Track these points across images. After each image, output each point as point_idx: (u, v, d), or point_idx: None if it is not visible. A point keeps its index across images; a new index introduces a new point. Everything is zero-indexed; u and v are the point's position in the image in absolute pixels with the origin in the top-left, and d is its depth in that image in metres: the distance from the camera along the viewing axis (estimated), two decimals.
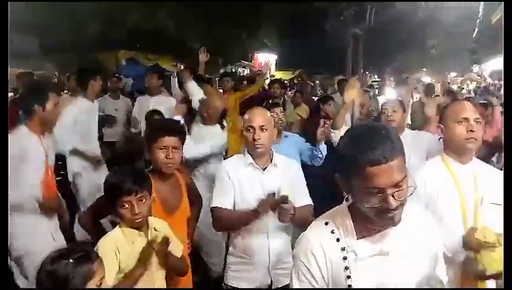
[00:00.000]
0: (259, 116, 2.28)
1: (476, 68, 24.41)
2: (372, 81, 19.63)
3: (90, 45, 9.75)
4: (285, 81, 12.28)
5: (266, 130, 2.25)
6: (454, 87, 21.51)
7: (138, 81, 5.93)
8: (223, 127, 3.79)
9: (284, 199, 2.05)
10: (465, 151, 1.92)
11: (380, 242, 1.26)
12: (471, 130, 1.89)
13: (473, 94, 19.35)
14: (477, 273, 1.69)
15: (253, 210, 2.15)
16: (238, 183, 2.28)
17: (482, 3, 19.83)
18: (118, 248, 1.84)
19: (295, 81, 17.21)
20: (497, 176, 1.92)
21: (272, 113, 3.30)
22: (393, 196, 1.14)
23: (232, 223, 2.28)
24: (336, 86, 7.50)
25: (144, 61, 11.75)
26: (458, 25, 18.93)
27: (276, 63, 21.72)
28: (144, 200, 1.88)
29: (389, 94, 5.43)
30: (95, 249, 1.74)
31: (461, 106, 1.97)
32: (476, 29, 20.34)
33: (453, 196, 1.89)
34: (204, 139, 3.53)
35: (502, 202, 1.76)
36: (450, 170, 1.94)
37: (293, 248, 2.34)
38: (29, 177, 2.59)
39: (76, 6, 9.59)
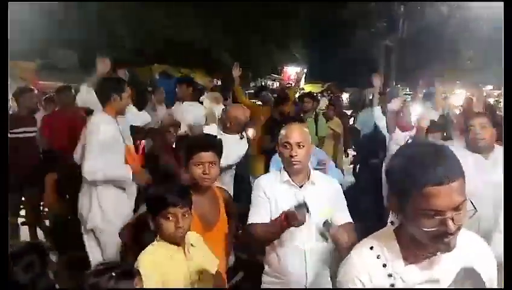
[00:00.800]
0: (296, 132, 2.25)
1: None
2: (404, 94, 19.20)
3: (127, 59, 10.07)
4: (316, 94, 12.22)
5: (303, 146, 2.23)
6: (491, 100, 20.78)
7: (169, 95, 5.97)
8: (242, 137, 3.74)
9: (326, 225, 2.03)
10: None
11: (430, 269, 1.20)
12: None
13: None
14: None
15: (282, 214, 2.09)
16: (274, 201, 2.25)
17: None
18: (157, 263, 1.84)
19: (325, 94, 17.07)
20: None
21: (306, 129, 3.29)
22: (452, 220, 1.08)
23: (266, 235, 2.23)
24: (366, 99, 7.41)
25: (177, 75, 12.01)
26: (494, 35, 18.35)
27: (305, 76, 21.72)
28: (187, 215, 1.90)
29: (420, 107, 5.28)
30: (135, 265, 1.76)
31: None
32: None
33: None
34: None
35: None
36: None
37: (330, 268, 2.33)
38: (115, 157, 3.06)
39: (114, 22, 9.93)
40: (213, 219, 2.31)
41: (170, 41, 11.17)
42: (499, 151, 2.71)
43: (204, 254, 2.05)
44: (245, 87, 12.29)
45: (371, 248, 1.26)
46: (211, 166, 2.24)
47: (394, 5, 18.16)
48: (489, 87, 26.40)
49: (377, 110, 4.68)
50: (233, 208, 2.55)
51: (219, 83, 8.78)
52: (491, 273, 1.30)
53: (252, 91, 11.81)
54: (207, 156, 2.23)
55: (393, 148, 3.70)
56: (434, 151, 1.13)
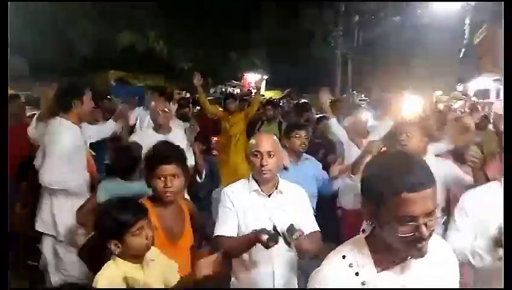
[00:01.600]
0: (266, 142, 2.23)
1: (460, 87, 25.03)
2: (360, 100, 19.85)
3: (81, 66, 9.71)
4: (272, 100, 12.34)
5: (274, 155, 2.20)
6: (441, 106, 21.92)
7: (127, 102, 5.79)
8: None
9: (292, 229, 2.00)
10: None
11: (401, 274, 1.21)
12: None
13: (459, 113, 19.78)
14: None
15: (253, 236, 2.06)
16: (241, 210, 2.22)
17: (467, 24, 20.54)
18: (114, 284, 1.77)
19: (284, 100, 17.30)
20: None
21: (297, 136, 3.29)
22: (425, 225, 1.10)
23: (234, 250, 2.20)
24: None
25: (134, 82, 11.72)
26: (444, 45, 19.45)
27: (265, 82, 21.93)
28: (145, 227, 1.87)
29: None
30: (93, 284, 1.67)
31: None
32: (463, 50, 20.95)
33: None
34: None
35: None
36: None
37: (299, 276, 2.31)
38: (76, 166, 2.99)
39: (67, 27, 9.55)
40: (178, 232, 2.23)
41: (128, 49, 10.90)
42: (430, 156, 2.89)
43: (164, 264, 1.99)
44: (205, 94, 12.19)
45: (344, 256, 1.25)
46: (174, 179, 2.15)
47: (350, 15, 18.80)
48: (439, 93, 27.94)
49: (333, 122, 4.55)
50: (199, 221, 2.47)
51: (187, 95, 8.58)
52: (456, 276, 1.33)
53: (212, 98, 11.73)
54: (168, 168, 2.14)
55: (353, 154, 3.76)
56: (409, 159, 1.15)
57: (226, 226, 2.21)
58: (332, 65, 19.39)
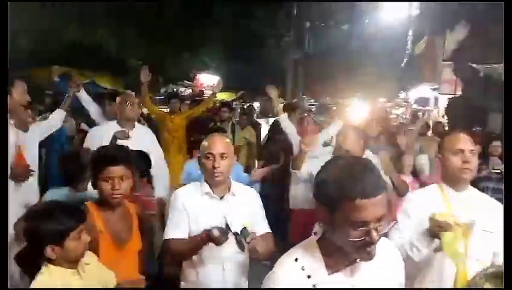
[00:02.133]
0: (219, 143, 2.20)
1: (402, 95, 26.42)
2: (309, 104, 20.34)
3: (24, 61, 9.10)
4: (228, 102, 12.31)
5: (226, 157, 2.18)
6: (384, 112, 22.96)
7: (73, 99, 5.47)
8: None
9: (244, 233, 2.00)
10: (460, 180, 2.00)
11: (351, 277, 1.25)
12: (466, 161, 1.96)
13: (400, 119, 20.87)
14: None
15: (203, 233, 2.04)
16: (193, 214, 2.18)
17: (410, 35, 21.72)
18: None
19: (237, 102, 17.32)
20: (491, 205, 2.02)
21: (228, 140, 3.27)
22: (375, 230, 1.14)
23: (185, 252, 2.17)
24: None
25: (80, 78, 11.16)
26: (387, 55, 20.44)
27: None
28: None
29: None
30: None
31: (457, 138, 2.03)
32: (405, 60, 22.13)
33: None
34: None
35: (493, 229, 1.86)
36: (445, 196, 2.02)
37: (250, 278, 2.31)
38: None
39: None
40: (125, 236, 2.14)
41: (74, 44, 10.37)
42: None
43: (99, 269, 1.92)
44: (155, 93, 11.90)
45: (296, 259, 1.27)
46: (122, 181, 2.07)
47: (301, 21, 19.23)
48: (382, 100, 29.31)
49: (284, 118, 4.64)
50: (147, 224, 2.40)
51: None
52: (401, 277, 1.38)
53: (163, 97, 11.47)
54: (116, 170, 2.06)
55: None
56: (362, 165, 1.19)
57: (177, 230, 2.17)
58: (284, 69, 19.71)
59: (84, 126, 5.58)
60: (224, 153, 2.17)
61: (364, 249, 1.17)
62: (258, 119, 8.78)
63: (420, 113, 20.27)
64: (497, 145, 4.57)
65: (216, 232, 1.98)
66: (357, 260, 1.23)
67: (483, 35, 10.27)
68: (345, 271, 1.24)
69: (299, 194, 3.95)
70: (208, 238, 2.01)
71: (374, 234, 1.14)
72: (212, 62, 18.25)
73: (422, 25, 17.88)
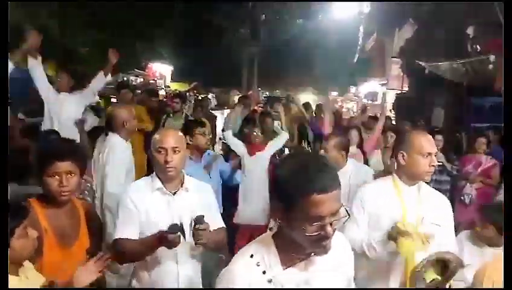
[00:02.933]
0: (172, 137, 2.13)
1: (353, 89, 27.27)
2: (264, 97, 20.48)
3: None
4: (181, 92, 12.09)
5: (179, 151, 2.12)
6: (336, 106, 23.64)
7: (16, 84, 5.11)
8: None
9: (200, 220, 1.94)
10: (420, 179, 2.07)
11: (305, 271, 1.27)
12: (432, 165, 2.04)
13: (351, 113, 21.56)
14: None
15: (158, 234, 1.97)
16: (144, 211, 2.09)
17: (361, 32, 22.40)
18: None
19: (191, 93, 17.05)
20: (439, 198, 2.12)
21: (199, 133, 3.22)
22: (331, 225, 1.16)
23: (136, 253, 2.08)
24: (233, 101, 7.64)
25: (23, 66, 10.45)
26: (340, 50, 20.96)
27: (171, 74, 21.33)
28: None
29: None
30: None
31: (426, 140, 2.07)
32: (357, 55, 22.81)
33: (396, 211, 2.03)
34: None
35: (441, 223, 1.96)
36: (397, 189, 2.08)
37: (203, 275, 2.29)
38: None
39: None
40: (72, 235, 2.03)
41: (17, 28, 9.63)
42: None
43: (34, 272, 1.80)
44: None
45: (251, 255, 1.27)
46: (70, 177, 1.96)
47: (257, 13, 19.22)
48: (335, 93, 30.12)
49: (228, 135, 4.42)
50: (96, 222, 2.29)
51: None
52: (351, 269, 1.43)
53: (113, 86, 11.00)
54: (63, 165, 1.94)
55: None
56: (318, 161, 1.20)
57: (127, 228, 2.08)
58: (240, 61, 19.64)
59: (21, 116, 5.24)
60: (176, 147, 2.11)
61: (320, 244, 1.18)
62: (213, 112, 8.71)
63: (368, 108, 21.04)
64: (439, 139, 4.82)
65: (171, 237, 1.91)
66: (312, 254, 1.25)
67: (429, 34, 10.81)
68: (299, 265, 1.26)
69: (247, 209, 4.02)
70: (161, 241, 1.95)
71: (329, 228, 1.16)
72: (165, 52, 17.76)
73: (373, 22, 18.48)
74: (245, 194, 4.35)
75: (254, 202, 4.02)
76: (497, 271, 1.40)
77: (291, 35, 19.25)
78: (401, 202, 2.03)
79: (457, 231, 2.38)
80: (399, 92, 15.44)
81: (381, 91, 22.15)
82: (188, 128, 3.33)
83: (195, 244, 1.99)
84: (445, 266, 1.80)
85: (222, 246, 2.21)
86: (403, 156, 2.08)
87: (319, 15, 20.98)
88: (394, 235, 1.83)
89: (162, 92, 14.88)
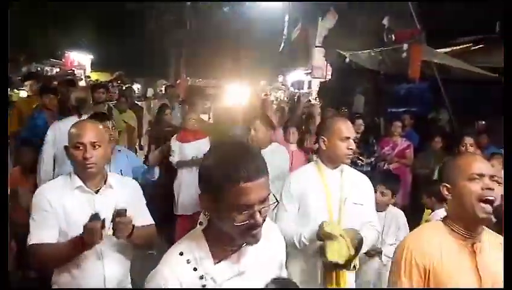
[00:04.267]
0: (90, 131, 1.96)
1: (280, 78, 27.89)
2: (190, 84, 20.13)
3: None
4: (103, 83, 11.44)
5: (99, 146, 1.97)
6: (263, 94, 24.03)
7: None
8: None
9: (121, 213, 1.83)
10: (340, 162, 2.17)
11: (237, 263, 1.26)
12: (351, 148, 2.14)
13: (279, 101, 22.03)
14: (324, 262, 1.92)
15: (77, 237, 1.82)
16: (63, 212, 1.92)
17: (286, 20, 22.86)
18: None
19: (114, 83, 16.20)
20: (360, 179, 2.23)
21: (106, 127, 2.97)
22: (260, 212, 1.15)
23: (57, 258, 1.91)
24: (161, 90, 7.40)
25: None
26: (267, 39, 21.25)
27: (91, 63, 20.07)
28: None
29: None
30: None
31: (344, 126, 2.18)
32: (282, 44, 23.25)
33: (321, 195, 2.12)
34: None
35: (363, 202, 2.09)
36: (321, 173, 2.16)
37: (132, 275, 2.19)
38: None
39: None
40: None
41: None
42: (275, 146, 3.24)
43: None
44: (15, 72, 10.43)
45: (181, 253, 1.23)
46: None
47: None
48: (263, 82, 30.57)
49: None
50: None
51: None
52: (283, 256, 1.45)
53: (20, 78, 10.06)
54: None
55: None
56: (244, 149, 1.19)
57: (43, 232, 1.89)
58: (166, 50, 19.04)
59: None
60: (96, 142, 1.96)
61: (250, 233, 1.18)
62: (138, 102, 8.35)
63: (296, 96, 21.67)
64: (359, 124, 5.23)
65: (90, 225, 1.75)
66: (244, 245, 1.24)
67: (349, 24, 11.34)
68: (231, 258, 1.25)
69: (186, 200, 3.94)
70: (81, 240, 1.80)
71: (258, 216, 1.15)
72: (84, 40, 16.66)
73: (297, 11, 18.96)
74: (181, 184, 4.32)
75: (193, 190, 3.95)
76: (414, 241, 1.48)
77: (218, 22, 19.07)
78: (324, 186, 2.12)
79: None
80: (323, 80, 16.08)
81: (307, 80, 22.95)
82: None
83: (117, 238, 1.88)
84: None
85: (151, 243, 2.12)
86: (324, 141, 2.19)
87: (245, 3, 21.02)
88: (321, 236, 1.91)
89: (82, 83, 13.93)
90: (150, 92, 15.32)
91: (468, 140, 3.42)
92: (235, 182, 1.12)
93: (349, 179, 2.18)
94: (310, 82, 22.18)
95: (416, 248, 1.45)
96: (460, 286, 1.39)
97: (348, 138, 2.14)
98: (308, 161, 4.42)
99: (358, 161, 5.04)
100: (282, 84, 27.63)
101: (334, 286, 2.03)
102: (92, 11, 14.68)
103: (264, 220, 1.19)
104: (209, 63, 20.28)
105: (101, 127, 2.11)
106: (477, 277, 1.40)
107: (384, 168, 5.19)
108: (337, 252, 1.86)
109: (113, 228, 1.84)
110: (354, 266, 2.00)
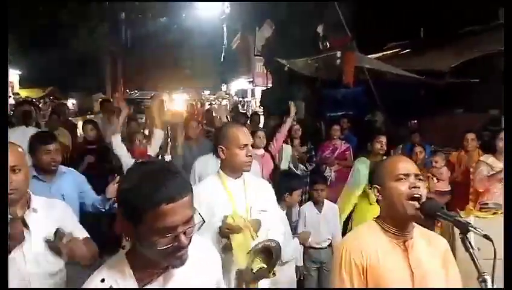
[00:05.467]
0: (10, 155, 1.80)
1: (224, 87, 27.98)
2: (132, 98, 19.60)
3: None
4: (33, 99, 10.75)
5: (19, 170, 1.82)
6: (207, 104, 23.94)
7: None
8: None
9: (59, 233, 1.75)
10: (241, 170, 2.13)
11: (164, 285, 1.19)
12: (250, 155, 2.11)
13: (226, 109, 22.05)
14: (243, 273, 1.89)
15: None
16: None
17: (225, 31, 23.00)
18: None
19: (47, 100, 15.30)
20: (263, 187, 2.22)
21: (46, 151, 2.75)
22: (184, 233, 1.10)
23: None
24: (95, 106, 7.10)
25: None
26: (208, 50, 21.25)
27: (19, 80, 18.84)
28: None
29: None
30: None
31: (242, 133, 2.14)
32: (223, 54, 23.36)
33: (226, 205, 2.06)
34: None
35: (267, 208, 2.07)
36: (225, 184, 2.12)
37: None
38: None
39: None
40: None
41: None
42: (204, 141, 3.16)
43: None
44: None
45: (102, 280, 1.16)
46: None
47: (115, 12, 18.17)
48: (207, 92, 30.49)
49: (115, 139, 4.09)
50: None
51: None
52: (219, 271, 1.39)
53: None
54: None
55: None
56: (164, 169, 1.12)
57: None
58: (101, 61, 18.36)
59: None
60: (15, 166, 1.81)
61: (175, 255, 1.11)
62: (72, 119, 7.94)
63: (240, 105, 21.77)
64: (297, 129, 5.56)
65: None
66: (170, 267, 1.18)
67: (287, 34, 11.60)
68: (158, 281, 1.18)
69: None
70: None
71: (183, 237, 1.09)
72: (10, 54, 15.59)
73: (235, 22, 19.14)
74: None
75: None
76: (351, 242, 1.51)
77: (155, 33, 18.74)
78: (229, 195, 2.10)
79: None
80: (264, 88, 16.33)
81: (249, 88, 23.20)
82: (30, 146, 2.78)
83: (68, 259, 1.78)
84: (270, 253, 1.90)
85: (93, 255, 1.98)
86: (222, 150, 2.15)
87: (182, 13, 20.87)
88: (224, 231, 1.88)
89: (10, 101, 13.02)
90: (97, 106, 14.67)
91: (470, 136, 3.54)
92: (155, 204, 1.05)
93: (252, 186, 2.18)
94: (253, 90, 22.45)
95: (353, 248, 1.48)
96: (395, 282, 1.43)
97: (246, 145, 2.12)
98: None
99: (302, 167, 5.14)
100: (226, 93, 27.74)
101: None
102: (20, 22, 13.82)
103: (190, 241, 1.13)
104: (148, 74, 19.85)
105: (20, 150, 1.95)
106: (410, 273, 1.44)
107: (326, 171, 5.32)
108: (242, 244, 1.84)
109: (57, 252, 1.76)
110: (274, 273, 1.99)
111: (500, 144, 3.35)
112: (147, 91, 16.06)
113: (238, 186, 2.12)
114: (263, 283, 2.08)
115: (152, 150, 4.44)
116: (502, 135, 3.36)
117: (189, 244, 1.13)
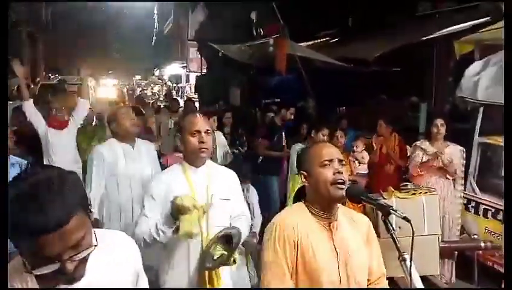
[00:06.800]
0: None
1: (157, 72, 27.00)
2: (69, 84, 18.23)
3: None
4: None
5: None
6: (139, 90, 23.00)
7: None
8: None
9: None
10: (198, 159, 2.07)
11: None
12: (202, 142, 2.03)
13: (157, 96, 21.36)
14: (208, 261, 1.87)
15: None
16: None
17: (156, 14, 22.12)
18: None
19: None
20: (226, 174, 2.18)
21: None
22: (71, 259, 0.96)
23: None
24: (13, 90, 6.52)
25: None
26: (138, 33, 20.34)
27: None
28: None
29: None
30: None
31: (194, 119, 2.08)
32: (154, 38, 22.51)
33: (186, 193, 1.98)
34: None
35: (230, 197, 2.06)
36: (186, 174, 2.07)
37: None
38: None
39: None
40: None
41: None
42: (140, 142, 3.08)
43: None
44: None
45: None
46: None
47: None
48: (138, 77, 29.26)
49: (28, 105, 4.07)
50: None
51: None
52: (138, 265, 1.29)
53: None
54: None
55: None
56: (43, 188, 0.95)
57: None
58: (18, 43, 16.82)
59: None
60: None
61: (63, 279, 0.99)
62: None
63: (174, 91, 21.24)
64: (228, 117, 5.49)
65: None
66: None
67: (221, 18, 11.44)
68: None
69: None
70: None
71: (68, 265, 0.96)
72: None
73: (166, 5, 18.51)
74: None
75: None
76: (283, 219, 1.51)
77: (78, 14, 17.53)
78: (189, 184, 2.06)
79: None
80: (199, 74, 16.07)
81: (183, 73, 22.64)
82: None
83: None
84: (231, 240, 1.91)
85: None
86: (180, 138, 2.15)
87: None
88: (174, 212, 1.85)
89: None
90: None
91: (439, 121, 3.72)
92: (33, 235, 0.91)
93: (215, 175, 2.16)
94: (187, 76, 21.93)
95: (286, 224, 1.51)
96: (322, 261, 1.48)
97: (199, 131, 2.08)
98: None
99: (235, 151, 5.15)
100: (159, 79, 26.80)
101: (208, 286, 1.99)
102: None
103: (78, 268, 0.99)
104: (73, 57, 18.55)
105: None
106: (335, 254, 1.51)
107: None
108: (190, 223, 1.83)
109: None
110: (234, 260, 2.00)
111: (435, 130, 3.66)
112: (71, 76, 14.92)
113: (201, 175, 2.08)
114: (225, 273, 2.07)
115: (74, 121, 4.26)
116: (438, 121, 3.66)
117: (78, 271, 1.00)
